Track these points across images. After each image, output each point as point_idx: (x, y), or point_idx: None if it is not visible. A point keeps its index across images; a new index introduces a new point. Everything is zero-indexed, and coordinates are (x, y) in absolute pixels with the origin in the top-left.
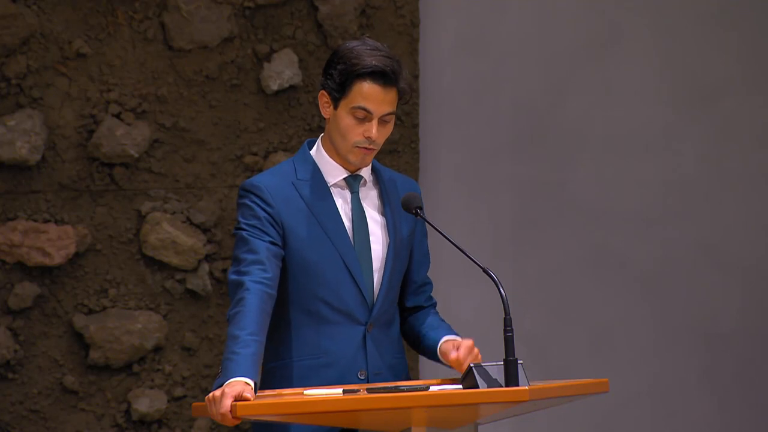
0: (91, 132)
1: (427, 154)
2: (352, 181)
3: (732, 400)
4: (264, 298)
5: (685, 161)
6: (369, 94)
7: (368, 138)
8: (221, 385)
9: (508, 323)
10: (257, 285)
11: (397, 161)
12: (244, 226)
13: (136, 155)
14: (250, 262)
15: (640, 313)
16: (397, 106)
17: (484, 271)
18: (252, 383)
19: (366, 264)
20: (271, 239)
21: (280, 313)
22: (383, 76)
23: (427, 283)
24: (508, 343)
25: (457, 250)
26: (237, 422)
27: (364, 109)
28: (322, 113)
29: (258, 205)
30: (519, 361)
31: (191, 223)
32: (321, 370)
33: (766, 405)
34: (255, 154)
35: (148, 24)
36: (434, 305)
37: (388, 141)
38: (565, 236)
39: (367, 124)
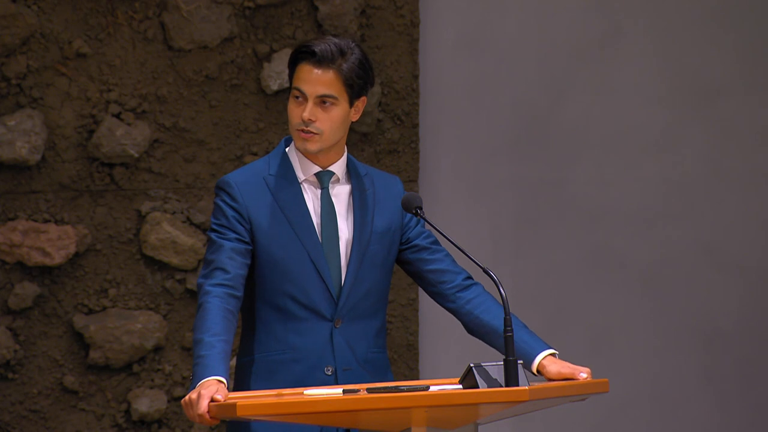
0: (91, 132)
1: (427, 154)
2: (323, 177)
3: (732, 400)
4: (224, 298)
5: (685, 161)
6: (302, 74)
7: (303, 120)
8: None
9: (508, 323)
10: (217, 288)
11: (397, 161)
12: (213, 227)
13: (136, 155)
14: (213, 266)
15: (640, 313)
16: (351, 95)
17: (484, 271)
18: (225, 380)
19: (334, 260)
20: (237, 236)
21: (251, 309)
22: (314, 56)
23: (448, 271)
24: (508, 343)
25: (457, 250)
26: (216, 422)
27: (298, 89)
28: None
29: (226, 203)
30: (519, 361)
31: (191, 223)
32: (288, 366)
33: (766, 405)
34: (255, 154)
35: (148, 24)
36: (477, 284)
37: (388, 141)
38: (565, 236)
39: (303, 105)
